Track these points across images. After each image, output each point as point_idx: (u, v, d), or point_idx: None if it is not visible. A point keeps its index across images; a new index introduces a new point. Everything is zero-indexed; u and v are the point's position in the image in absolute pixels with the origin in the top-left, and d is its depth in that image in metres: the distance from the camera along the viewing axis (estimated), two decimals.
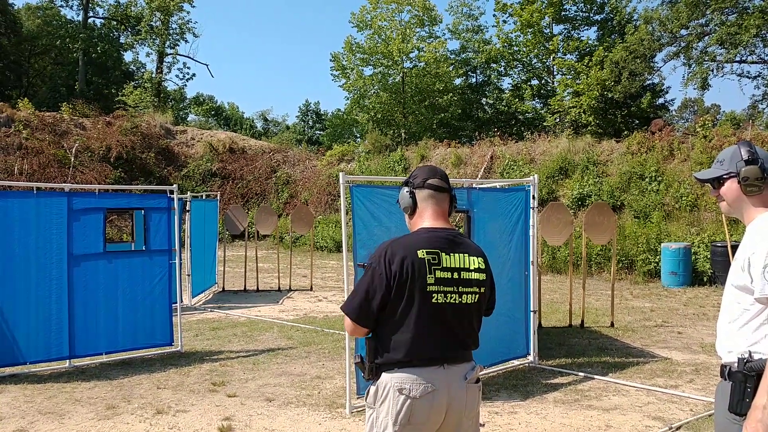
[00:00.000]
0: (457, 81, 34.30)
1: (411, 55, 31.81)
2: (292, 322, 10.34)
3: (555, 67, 30.33)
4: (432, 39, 33.26)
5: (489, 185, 8.60)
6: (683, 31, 24.45)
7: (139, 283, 7.79)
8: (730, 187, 2.58)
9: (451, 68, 32.89)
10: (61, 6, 41.53)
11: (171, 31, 40.72)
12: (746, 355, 2.37)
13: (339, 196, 6.19)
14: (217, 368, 7.43)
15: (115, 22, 42.34)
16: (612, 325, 9.76)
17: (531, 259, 7.55)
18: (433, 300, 2.63)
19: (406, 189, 2.87)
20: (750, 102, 30.58)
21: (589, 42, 30.17)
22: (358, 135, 36.95)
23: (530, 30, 30.46)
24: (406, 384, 2.59)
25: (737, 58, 24.22)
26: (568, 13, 31.13)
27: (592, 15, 31.30)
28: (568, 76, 28.41)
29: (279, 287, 14.19)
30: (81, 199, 7.45)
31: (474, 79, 35.73)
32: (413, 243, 2.69)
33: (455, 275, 2.68)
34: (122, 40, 43.03)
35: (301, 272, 16.58)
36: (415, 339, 2.62)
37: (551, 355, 7.96)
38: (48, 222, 7.18)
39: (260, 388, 6.62)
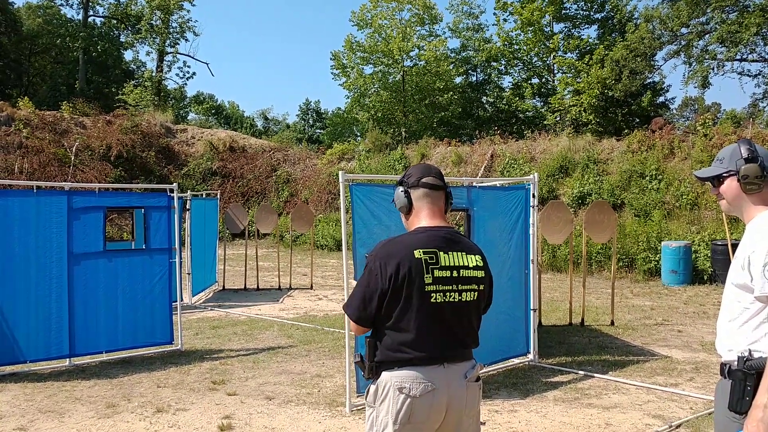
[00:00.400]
0: (458, 79, 34.29)
1: (411, 53, 31.81)
2: (293, 321, 10.34)
3: (555, 65, 30.31)
4: (432, 37, 33.26)
5: (489, 184, 8.59)
6: (684, 30, 24.44)
7: (139, 281, 7.79)
8: (730, 186, 2.58)
9: (451, 67, 32.87)
10: (62, 5, 41.57)
11: (171, 30, 40.74)
12: (746, 354, 2.37)
13: (339, 195, 6.18)
14: (217, 367, 7.43)
15: (115, 21, 42.34)
16: (612, 323, 9.76)
17: (531, 258, 7.54)
18: (432, 299, 2.62)
19: (400, 188, 2.85)
20: (750, 100, 30.63)
21: (590, 40, 30.18)
22: (359, 134, 36.95)
23: (531, 28, 30.45)
24: (406, 383, 2.59)
25: (738, 57, 24.21)
26: (568, 11, 31.12)
27: (592, 13, 31.30)
28: (568, 75, 28.41)
29: (279, 286, 14.19)
30: (81, 198, 7.44)
31: (474, 78, 35.72)
32: (410, 243, 2.68)
33: (453, 273, 2.67)
34: (122, 38, 43.06)
35: (302, 271, 16.58)
36: (415, 338, 2.61)
37: (551, 353, 7.96)
38: (48, 221, 7.18)
39: (260, 386, 6.62)
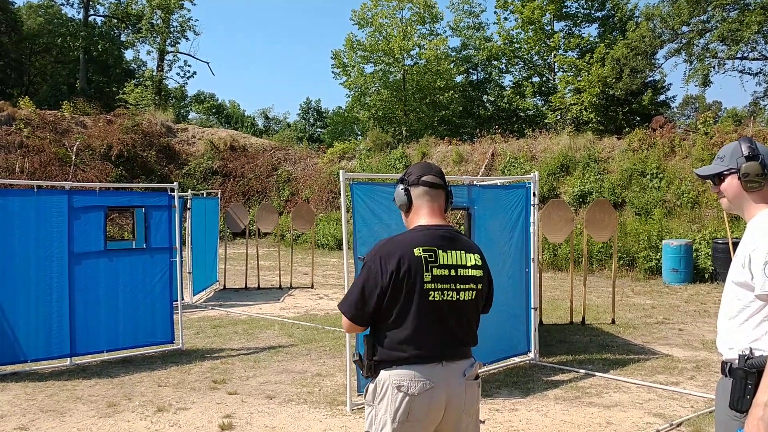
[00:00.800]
0: (458, 78, 34.27)
1: (412, 52, 31.79)
2: (293, 320, 10.35)
3: (556, 64, 30.29)
4: (433, 36, 33.23)
5: (490, 182, 8.59)
6: (684, 28, 24.43)
7: (140, 281, 7.79)
8: (731, 184, 2.57)
9: (452, 65, 32.86)
10: (62, 4, 41.55)
11: (172, 29, 40.72)
12: (747, 352, 2.37)
13: (340, 194, 6.18)
14: (218, 366, 7.44)
15: (115, 20, 42.31)
16: (613, 322, 9.76)
17: (532, 256, 7.54)
18: (431, 298, 2.62)
19: (401, 187, 2.85)
20: (751, 98, 30.58)
21: (591, 39, 30.14)
22: (359, 133, 36.93)
23: (531, 27, 30.41)
24: (405, 381, 2.59)
25: (738, 55, 24.19)
26: (569, 10, 31.08)
27: (593, 12, 31.26)
28: (569, 73, 28.38)
29: (280, 285, 14.19)
30: (82, 198, 7.45)
31: (475, 77, 35.70)
32: (410, 241, 2.68)
33: (452, 272, 2.67)
34: (123, 38, 43.04)
35: (302, 270, 16.59)
36: (414, 337, 2.61)
37: (552, 352, 7.96)
38: (49, 220, 7.19)
39: (261, 385, 6.62)
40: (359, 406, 5.75)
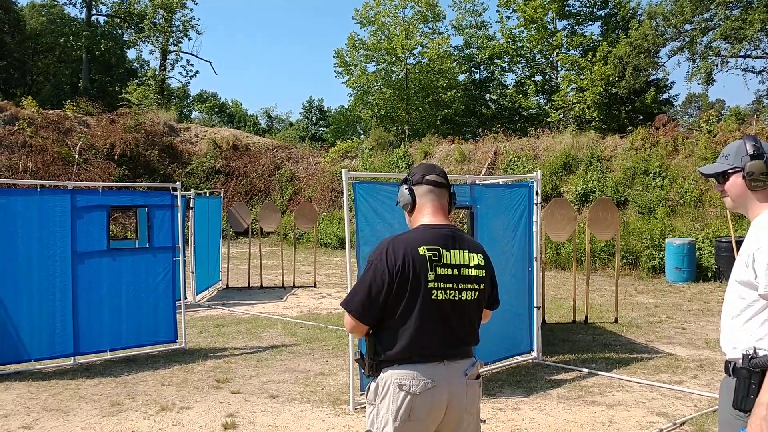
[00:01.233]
0: (461, 77, 34.25)
1: (414, 51, 31.79)
2: (296, 319, 10.35)
3: (559, 62, 30.26)
4: (435, 35, 33.22)
5: (492, 181, 8.58)
6: (687, 26, 24.38)
7: (143, 280, 7.80)
8: (735, 182, 2.56)
9: (454, 64, 32.85)
10: (65, 4, 41.61)
11: (174, 29, 40.77)
12: (751, 352, 2.36)
13: (342, 193, 6.17)
14: (221, 365, 7.44)
15: (118, 20, 42.36)
16: (616, 321, 9.74)
17: (534, 255, 7.53)
18: (433, 296, 2.62)
19: (405, 186, 2.87)
20: (754, 97, 30.56)
21: (593, 37, 30.12)
22: (362, 132, 36.93)
23: (534, 26, 30.38)
24: (407, 380, 2.58)
25: (742, 53, 24.14)
26: (571, 8, 31.05)
27: (595, 10, 31.23)
28: (572, 72, 28.36)
29: (283, 284, 14.20)
30: (84, 197, 7.45)
31: (477, 75, 35.67)
32: (414, 240, 2.69)
33: (455, 272, 2.67)
34: (126, 37, 43.09)
35: (305, 269, 16.59)
36: (416, 336, 2.61)
37: (555, 351, 7.95)
38: (52, 220, 7.20)
39: (264, 384, 6.63)
40: (362, 406, 5.75)
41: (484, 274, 2.75)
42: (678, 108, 40.97)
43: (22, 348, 7.06)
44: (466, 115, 33.58)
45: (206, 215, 13.26)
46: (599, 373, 6.95)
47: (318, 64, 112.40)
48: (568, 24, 31.61)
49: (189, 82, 46.78)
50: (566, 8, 30.74)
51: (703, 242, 14.59)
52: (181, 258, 8.54)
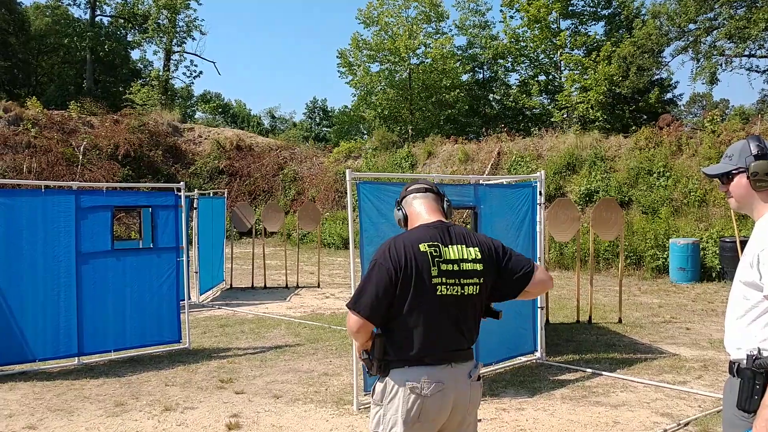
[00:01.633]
0: (464, 77, 34.18)
1: (418, 51, 31.73)
2: (300, 319, 10.36)
3: (562, 62, 30.20)
4: (439, 35, 33.14)
5: (496, 181, 8.58)
6: (691, 26, 24.32)
7: (146, 280, 7.82)
8: (739, 183, 2.56)
9: (458, 64, 32.77)
10: (69, 4, 41.65)
11: (178, 29, 40.79)
12: (755, 352, 2.36)
13: (346, 193, 6.18)
14: (224, 365, 7.45)
15: (122, 21, 42.43)
16: (620, 321, 9.73)
17: (538, 255, 7.53)
18: (438, 292, 2.64)
19: (396, 208, 2.99)
20: (759, 96, 30.42)
21: (597, 37, 30.01)
22: (365, 132, 36.92)
23: (537, 25, 30.30)
24: (417, 382, 2.59)
25: (746, 53, 24.08)
26: (575, 8, 30.97)
27: (599, 10, 31.13)
28: (575, 72, 28.29)
29: (286, 284, 14.21)
30: (89, 198, 7.47)
31: (481, 75, 35.60)
32: (414, 237, 2.73)
33: (455, 267, 2.69)
34: (129, 38, 43.11)
35: (309, 269, 16.60)
36: (424, 334, 2.62)
37: (559, 351, 7.95)
38: (56, 220, 7.21)
39: (268, 384, 6.63)
40: (366, 406, 5.75)
41: (483, 267, 2.74)
42: (682, 108, 40.86)
43: (27, 348, 7.08)
44: (469, 115, 33.52)
45: (210, 215, 13.28)
46: (603, 373, 6.94)
47: (322, 64, 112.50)
48: (572, 23, 31.53)
49: (193, 83, 46.88)
50: (570, 8, 30.66)
51: (707, 242, 14.56)
52: (184, 258, 8.57)
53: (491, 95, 35.13)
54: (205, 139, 29.97)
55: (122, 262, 7.68)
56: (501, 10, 32.61)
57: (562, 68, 30.75)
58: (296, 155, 29.61)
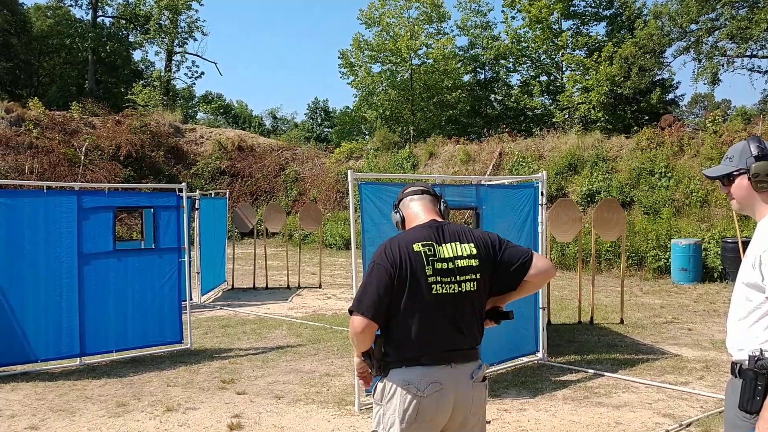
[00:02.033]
0: (466, 77, 34.18)
1: (419, 51, 31.73)
2: (301, 320, 10.36)
3: (564, 63, 30.18)
4: (440, 36, 33.15)
5: (498, 182, 8.57)
6: (693, 26, 24.30)
7: (148, 281, 7.82)
8: (741, 184, 2.55)
9: (459, 65, 32.78)
10: (71, 5, 41.72)
11: (180, 30, 40.82)
12: (757, 353, 2.35)
13: (348, 194, 6.19)
14: (226, 366, 7.46)
15: (124, 21, 42.47)
16: (622, 321, 9.72)
17: None
18: (434, 291, 2.65)
19: (393, 211, 3.05)
20: (761, 97, 30.38)
21: (599, 38, 30.00)
22: (367, 132, 36.92)
23: (539, 26, 30.29)
24: (414, 382, 2.60)
25: (748, 53, 24.05)
26: (576, 8, 30.96)
27: (601, 10, 31.12)
28: (577, 72, 28.27)
29: (288, 285, 14.22)
30: (91, 198, 7.48)
31: (482, 76, 35.60)
32: (408, 238, 2.76)
33: (450, 265, 2.71)
34: (131, 38, 43.16)
35: (310, 270, 16.60)
36: (421, 334, 2.63)
37: (560, 352, 7.94)
38: (58, 221, 7.22)
39: (269, 385, 6.64)
40: (367, 406, 5.76)
41: (478, 263, 2.75)
42: (684, 108, 40.81)
43: (29, 348, 7.09)
44: (471, 115, 33.52)
45: (212, 216, 13.29)
46: (605, 374, 6.94)
47: (323, 64, 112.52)
48: (574, 24, 31.53)
49: (194, 83, 46.87)
50: (571, 8, 30.65)
51: (709, 243, 14.54)
52: (186, 259, 8.57)
53: (493, 96, 35.12)
54: (207, 139, 29.99)
55: (124, 262, 7.69)
56: (502, 11, 32.60)
57: (564, 69, 30.73)
58: (298, 156, 29.62)
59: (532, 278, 2.77)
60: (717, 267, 14.15)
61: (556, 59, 31.29)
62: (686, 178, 17.31)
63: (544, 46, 31.01)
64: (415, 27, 31.56)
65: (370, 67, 33.24)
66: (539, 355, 7.56)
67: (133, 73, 42.15)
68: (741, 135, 17.04)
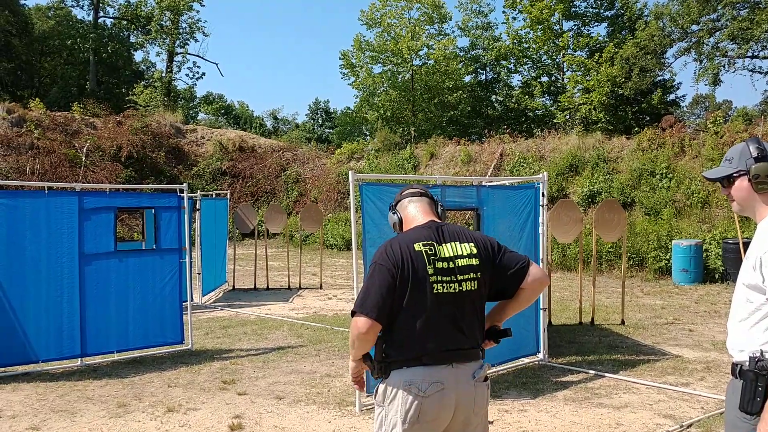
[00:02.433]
0: (467, 78, 34.20)
1: (420, 52, 31.74)
2: (302, 320, 10.36)
3: (565, 63, 30.18)
4: (441, 36, 33.17)
5: (498, 183, 8.57)
6: (694, 27, 24.30)
7: (149, 281, 7.83)
8: (741, 186, 2.55)
9: (460, 65, 32.79)
10: (72, 6, 41.76)
11: (181, 31, 40.85)
12: (758, 354, 2.35)
13: (348, 195, 6.19)
14: (227, 366, 7.46)
15: (125, 22, 42.50)
16: (622, 322, 9.72)
17: (541, 257, 7.53)
18: (435, 290, 2.66)
19: (390, 212, 3.07)
20: (762, 97, 30.40)
21: (600, 38, 30.01)
22: (368, 133, 36.92)
23: (540, 26, 30.30)
24: (416, 382, 2.60)
25: (749, 54, 24.05)
26: (578, 9, 30.97)
27: (602, 11, 31.13)
28: (578, 73, 28.27)
29: (289, 285, 14.22)
30: (92, 199, 7.49)
31: (484, 77, 35.62)
32: (409, 238, 2.77)
33: (450, 264, 2.72)
34: (132, 39, 43.20)
35: (311, 270, 16.61)
36: (421, 334, 2.63)
37: (561, 352, 7.94)
38: (59, 221, 7.23)
39: (270, 386, 6.64)
40: (368, 407, 5.76)
41: (479, 262, 2.76)
42: (685, 109, 40.84)
43: (30, 349, 7.10)
44: (472, 116, 33.53)
45: (212, 217, 13.29)
46: (606, 374, 6.94)
47: (324, 65, 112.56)
48: (575, 25, 31.54)
49: (195, 84, 47.05)
50: (572, 9, 30.66)
51: (710, 244, 14.53)
52: (187, 259, 8.57)
53: (494, 96, 35.14)
54: (208, 140, 30.01)
55: (125, 263, 7.69)
56: (503, 12, 32.64)
57: (565, 69, 30.74)
58: (299, 156, 29.63)
59: (528, 285, 2.80)
60: (718, 268, 14.15)
61: (557, 60, 31.30)
62: (687, 179, 17.30)
63: (545, 47, 31.02)
64: (416, 28, 31.57)
65: (371, 67, 33.28)
66: (540, 355, 7.56)
67: (134, 73, 42.19)
68: (742, 136, 17.03)
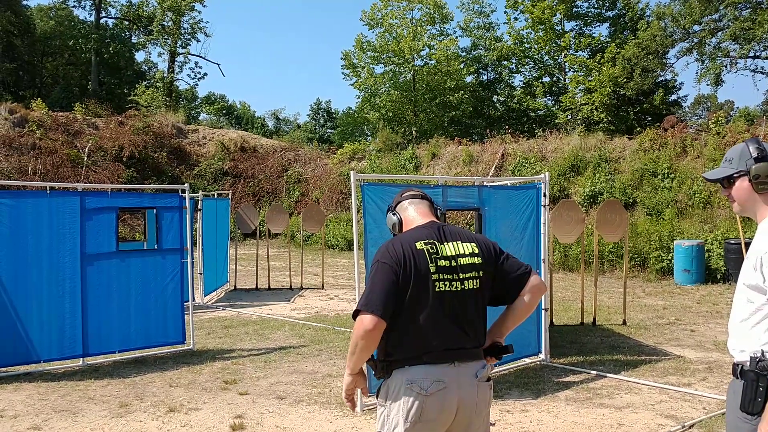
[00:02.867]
0: (469, 78, 34.21)
1: (422, 52, 31.77)
2: (304, 321, 10.37)
3: (567, 63, 30.18)
4: (443, 37, 33.19)
5: (500, 183, 8.57)
6: (696, 27, 24.29)
7: (151, 281, 7.83)
8: (741, 186, 2.55)
9: (462, 66, 32.81)
10: (74, 6, 41.80)
11: (183, 31, 40.85)
12: (759, 355, 2.35)
13: (350, 195, 6.20)
14: (229, 366, 7.47)
15: (127, 22, 42.54)
16: (624, 323, 9.71)
17: (542, 257, 7.52)
18: (437, 289, 2.66)
19: (390, 213, 3.07)
20: (764, 98, 30.42)
21: (601, 38, 30.03)
22: (369, 133, 36.94)
23: (542, 27, 30.32)
24: (418, 381, 2.60)
25: (751, 54, 24.03)
26: (579, 9, 30.98)
27: (604, 11, 31.14)
28: (579, 73, 28.27)
29: (290, 285, 14.22)
30: (94, 199, 7.50)
31: (485, 77, 35.62)
32: (411, 237, 2.77)
33: (452, 263, 2.72)
34: (134, 40, 43.23)
35: (313, 270, 16.61)
36: (423, 332, 2.63)
37: (563, 353, 7.94)
38: (61, 221, 7.24)
39: (272, 386, 6.64)
40: (370, 407, 5.76)
41: (481, 261, 2.77)
42: (687, 109, 40.80)
43: (32, 349, 7.11)
44: (473, 116, 33.54)
45: (214, 217, 13.30)
46: (607, 375, 6.94)
47: (326, 66, 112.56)
48: (576, 25, 31.55)
49: (197, 84, 47.05)
50: (574, 9, 30.67)
51: (711, 244, 14.52)
52: (189, 259, 8.58)
53: (495, 97, 35.16)
54: (210, 140, 30.03)
55: (127, 263, 7.70)
56: (505, 12, 32.67)
57: (567, 70, 30.74)
58: (300, 157, 29.65)
59: (528, 292, 2.79)
60: (720, 268, 14.13)
61: (558, 60, 31.31)
62: (689, 180, 17.29)
63: (547, 47, 31.04)
64: (418, 28, 31.58)
65: (373, 68, 33.30)
66: (542, 356, 7.55)
67: (136, 74, 42.23)
68: (744, 136, 17.02)
